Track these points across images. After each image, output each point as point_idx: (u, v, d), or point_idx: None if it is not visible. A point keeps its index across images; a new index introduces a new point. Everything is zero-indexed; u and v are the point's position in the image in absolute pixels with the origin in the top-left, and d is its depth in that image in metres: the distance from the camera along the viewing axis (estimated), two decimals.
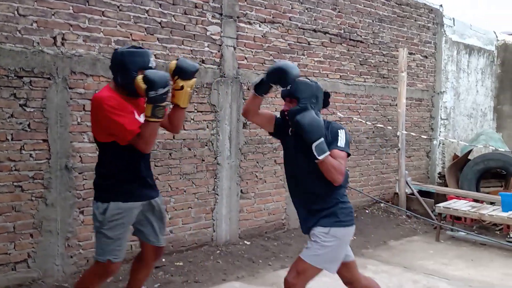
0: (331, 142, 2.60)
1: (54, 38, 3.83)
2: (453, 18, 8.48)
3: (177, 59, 2.76)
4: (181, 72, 2.69)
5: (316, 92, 2.68)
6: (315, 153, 2.51)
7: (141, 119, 2.71)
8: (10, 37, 3.61)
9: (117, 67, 2.70)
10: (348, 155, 2.66)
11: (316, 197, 2.70)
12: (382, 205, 6.82)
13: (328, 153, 2.53)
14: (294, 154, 2.77)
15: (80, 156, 3.98)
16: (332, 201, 2.68)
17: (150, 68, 2.66)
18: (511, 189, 6.66)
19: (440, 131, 8.18)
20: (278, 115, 2.88)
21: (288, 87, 2.65)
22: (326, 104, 2.79)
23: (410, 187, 6.74)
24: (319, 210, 2.69)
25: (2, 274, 3.55)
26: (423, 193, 6.83)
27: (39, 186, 3.74)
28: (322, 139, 2.53)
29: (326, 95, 2.78)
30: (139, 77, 2.54)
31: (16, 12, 3.64)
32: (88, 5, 4.02)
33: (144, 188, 2.84)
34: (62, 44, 3.88)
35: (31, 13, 3.71)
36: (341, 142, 2.60)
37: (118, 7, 4.20)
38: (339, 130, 2.64)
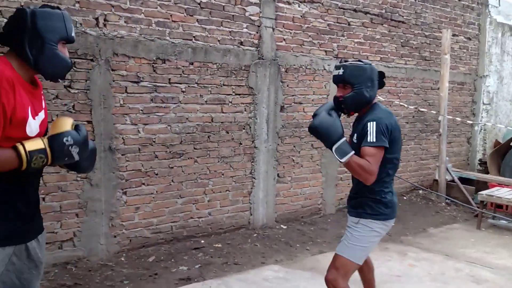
0: (362, 138, 2.42)
1: (97, 19, 3.83)
2: None
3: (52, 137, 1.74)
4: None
5: (370, 75, 2.50)
6: (336, 157, 2.37)
7: (36, 121, 1.78)
8: None
9: (27, 32, 1.70)
10: (382, 147, 2.40)
11: (357, 184, 2.61)
12: (420, 192, 6.65)
13: (351, 154, 2.35)
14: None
15: (123, 138, 4.01)
16: (370, 192, 2.52)
17: (73, 40, 1.81)
18: None
19: (482, 117, 7.87)
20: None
21: (341, 72, 2.48)
22: (382, 84, 2.61)
23: (450, 174, 6.53)
24: (354, 198, 2.63)
25: (49, 252, 3.65)
26: (463, 180, 6.62)
27: None
28: (343, 139, 2.37)
29: (381, 75, 2.60)
30: (68, 121, 1.78)
31: None
32: None
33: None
34: (104, 25, 3.88)
35: None
36: (371, 136, 2.38)
37: None
38: (369, 123, 2.41)
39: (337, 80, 2.55)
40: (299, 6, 5.19)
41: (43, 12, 1.72)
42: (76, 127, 1.77)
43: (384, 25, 6.12)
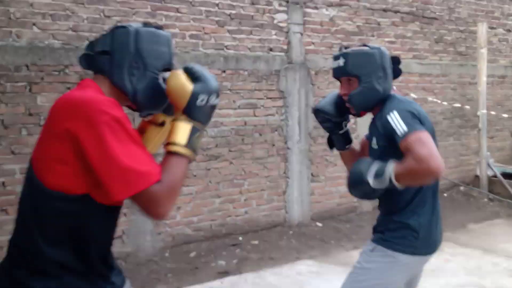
0: (386, 139, 1.84)
1: None
2: None
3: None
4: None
5: (381, 62, 1.94)
6: (376, 186, 1.75)
7: None
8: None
9: (128, 56, 1.35)
10: (420, 130, 1.74)
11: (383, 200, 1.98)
12: (461, 188, 6.54)
13: (391, 167, 1.71)
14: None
15: None
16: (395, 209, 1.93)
17: (171, 67, 1.43)
18: None
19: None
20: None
21: (341, 62, 1.94)
22: (397, 73, 2.02)
23: (492, 169, 6.38)
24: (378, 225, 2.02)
25: None
26: (507, 176, 6.44)
27: None
28: (375, 167, 1.76)
29: (395, 60, 2.01)
30: (179, 72, 1.33)
31: (102, 14, 4.06)
32: (164, 3, 4.35)
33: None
34: None
35: (114, 14, 4.11)
36: (399, 127, 1.75)
37: (191, 2, 4.49)
38: (388, 116, 1.81)
39: (338, 73, 2.00)
40: (326, 10, 5.36)
41: (148, 33, 1.37)
42: (191, 74, 1.33)
43: (415, 22, 6.14)
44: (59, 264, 1.26)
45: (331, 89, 5.49)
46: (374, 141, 1.95)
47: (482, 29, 6.23)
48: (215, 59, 4.63)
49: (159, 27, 1.42)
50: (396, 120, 1.79)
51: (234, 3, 4.75)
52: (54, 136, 1.22)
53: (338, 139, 2.17)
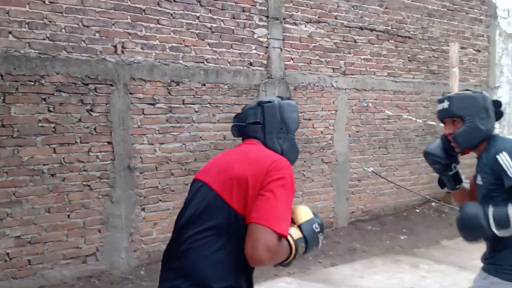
0: (499, 175, 1.94)
1: (115, 46, 4.12)
2: (508, 10, 8.14)
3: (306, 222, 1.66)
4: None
5: (483, 104, 2.09)
6: (501, 235, 1.89)
7: None
8: (76, 47, 3.92)
9: (277, 123, 1.73)
10: None
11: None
12: (433, 204, 6.69)
13: (509, 212, 1.85)
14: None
15: (140, 157, 4.25)
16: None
17: (298, 128, 1.85)
18: None
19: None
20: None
21: (446, 105, 2.11)
22: (499, 115, 2.16)
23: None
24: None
25: (74, 267, 3.87)
26: None
27: (105, 185, 4.05)
28: (491, 213, 1.88)
29: (497, 103, 2.17)
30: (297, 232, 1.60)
31: (80, 24, 3.95)
32: (144, 14, 4.27)
33: None
34: (122, 52, 4.15)
35: (93, 23, 4.00)
36: (511, 169, 1.91)
37: (172, 14, 4.43)
38: (498, 156, 1.94)
39: (443, 114, 2.14)
40: (305, 27, 5.42)
41: (286, 104, 1.78)
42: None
43: (390, 41, 6.29)
44: None
45: (309, 105, 5.56)
46: (479, 178, 2.09)
47: (454, 48, 6.45)
48: (195, 72, 4.58)
49: (290, 98, 1.86)
50: (506, 161, 1.93)
51: (215, 16, 4.73)
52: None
53: (449, 179, 2.28)
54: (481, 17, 7.56)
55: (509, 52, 8.19)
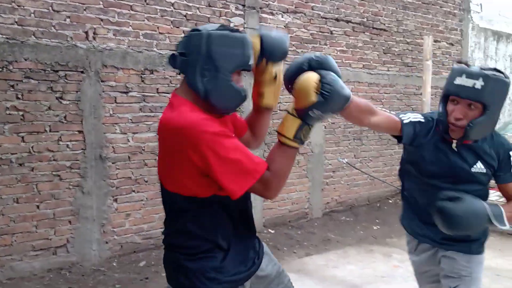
0: (500, 169, 1.88)
1: (86, 32, 3.99)
2: (481, 4, 8.31)
3: (258, 31, 1.63)
4: (271, 52, 1.58)
5: (508, 93, 1.81)
6: (501, 229, 1.92)
7: None
8: (45, 32, 3.79)
9: (200, 59, 1.44)
10: None
11: None
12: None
13: (503, 212, 1.75)
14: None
15: (113, 147, 4.16)
16: None
17: (250, 68, 1.54)
18: None
19: None
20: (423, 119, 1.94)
21: (479, 84, 1.70)
22: None
23: None
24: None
25: (44, 258, 3.78)
26: None
27: (76, 175, 3.94)
28: (490, 210, 1.75)
29: None
30: (312, 78, 1.43)
31: (50, 8, 3.81)
32: None
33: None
34: (94, 38, 4.03)
35: (64, 8, 3.87)
36: None
37: (145, 0, 4.33)
38: (511, 153, 1.86)
39: (470, 95, 1.72)
40: (282, 17, 5.38)
41: (221, 35, 1.43)
42: (322, 86, 1.42)
43: (366, 33, 6.33)
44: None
45: (285, 96, 5.51)
46: (479, 165, 1.88)
47: (427, 41, 6.53)
48: None
49: (234, 30, 1.49)
50: None
51: (190, 4, 4.64)
52: (177, 161, 1.42)
53: None
54: (454, 11, 7.69)
55: (481, 46, 8.38)
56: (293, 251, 4.69)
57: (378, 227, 5.65)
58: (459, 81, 1.76)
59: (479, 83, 1.69)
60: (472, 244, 1.98)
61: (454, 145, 1.88)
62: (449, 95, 1.81)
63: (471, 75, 1.72)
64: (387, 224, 5.68)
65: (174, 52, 1.48)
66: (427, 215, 1.93)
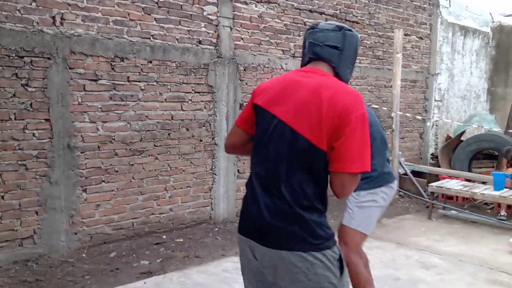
0: None
1: (53, 17, 3.85)
2: None
3: None
4: None
5: None
6: None
7: None
8: (10, 16, 3.63)
9: (352, 56, 1.75)
10: None
11: None
12: None
13: None
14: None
15: (81, 136, 4.05)
16: None
17: None
18: (502, 169, 6.81)
19: (434, 113, 8.30)
20: None
21: None
22: None
23: (403, 167, 6.87)
24: None
25: (10, 250, 3.65)
26: (415, 174, 6.97)
27: (42, 165, 3.82)
28: None
29: None
30: None
31: None
32: None
33: None
34: (61, 23, 3.90)
35: None
36: None
37: None
38: None
39: None
40: (256, 6, 5.35)
41: (358, 36, 1.77)
42: None
43: None
44: None
45: None
46: None
47: (398, 35, 6.64)
48: (141, 48, 4.40)
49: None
50: None
51: None
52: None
53: None
54: (424, 6, 7.84)
55: (449, 41, 8.58)
56: None
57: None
58: None
59: None
60: None
61: None
62: None
63: None
64: None
65: (315, 41, 1.69)
66: None
